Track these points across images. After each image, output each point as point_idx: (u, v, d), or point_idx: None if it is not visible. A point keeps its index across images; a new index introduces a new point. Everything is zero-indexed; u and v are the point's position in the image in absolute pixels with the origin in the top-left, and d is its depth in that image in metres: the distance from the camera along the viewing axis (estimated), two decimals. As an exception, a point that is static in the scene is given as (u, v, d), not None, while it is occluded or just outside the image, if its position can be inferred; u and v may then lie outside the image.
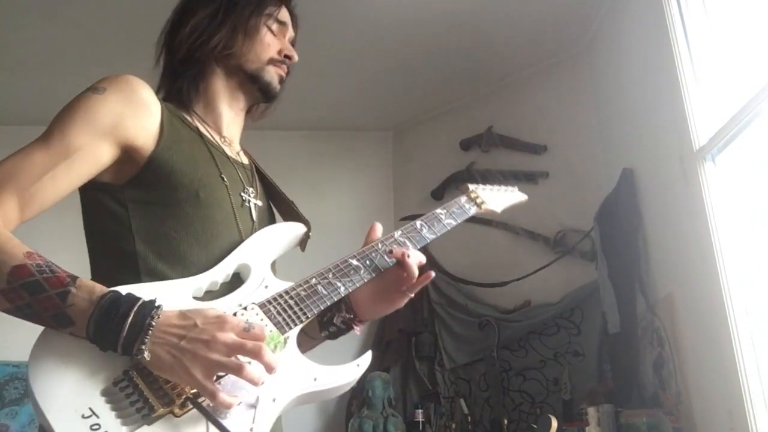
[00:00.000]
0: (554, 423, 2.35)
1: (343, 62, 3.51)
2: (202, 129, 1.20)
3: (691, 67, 2.33)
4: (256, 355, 0.88)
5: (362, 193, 4.11)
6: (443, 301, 3.49)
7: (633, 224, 2.67)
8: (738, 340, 1.95)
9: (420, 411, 3.18)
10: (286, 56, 1.27)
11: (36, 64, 3.40)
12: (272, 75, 1.25)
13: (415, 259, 1.15)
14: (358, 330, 1.21)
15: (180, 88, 1.23)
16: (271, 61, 1.24)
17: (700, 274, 2.15)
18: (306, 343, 1.21)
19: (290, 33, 1.31)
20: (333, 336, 1.22)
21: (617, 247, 2.71)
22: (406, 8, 3.07)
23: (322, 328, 1.21)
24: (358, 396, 3.32)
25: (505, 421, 2.96)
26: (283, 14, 1.29)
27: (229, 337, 0.88)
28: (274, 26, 1.26)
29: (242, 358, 0.88)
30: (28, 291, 0.88)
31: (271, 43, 1.25)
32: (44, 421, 0.82)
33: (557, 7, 3.08)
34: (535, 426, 2.60)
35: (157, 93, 1.18)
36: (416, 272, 1.14)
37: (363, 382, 3.23)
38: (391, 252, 1.15)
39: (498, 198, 1.42)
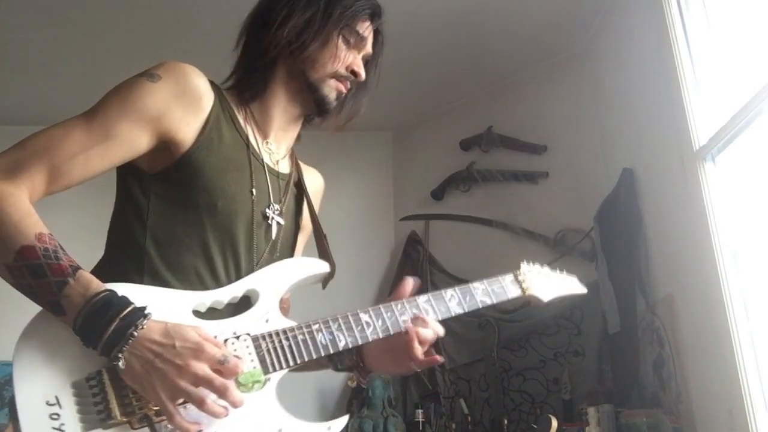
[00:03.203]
0: (554, 423, 2.35)
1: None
2: (249, 132, 1.16)
3: (691, 68, 2.32)
4: (221, 393, 0.90)
5: (362, 193, 4.10)
6: (443, 301, 3.49)
7: (633, 224, 2.67)
8: (738, 340, 1.95)
9: (420, 411, 3.17)
10: (353, 72, 1.21)
11: (36, 64, 3.40)
12: (331, 89, 1.19)
13: (427, 335, 1.10)
14: (362, 382, 1.19)
15: (254, 82, 1.19)
16: (335, 75, 1.19)
17: (700, 274, 2.14)
18: (314, 366, 1.18)
19: (367, 50, 1.24)
20: (338, 370, 1.21)
21: (617, 247, 2.71)
22: (405, 8, 3.07)
23: (329, 359, 1.18)
24: (358, 396, 3.32)
25: (505, 421, 2.96)
26: (366, 29, 1.22)
27: (201, 368, 0.89)
28: (352, 39, 1.20)
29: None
30: (31, 273, 0.90)
31: (342, 56, 1.19)
32: (13, 396, 0.86)
33: (557, 7, 3.08)
34: (535, 426, 2.60)
35: (228, 79, 1.18)
36: (420, 354, 1.09)
37: (363, 382, 3.23)
38: (405, 320, 1.09)
39: (549, 285, 1.33)
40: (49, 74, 3.44)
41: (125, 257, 1.05)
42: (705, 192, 2.15)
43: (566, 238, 3.20)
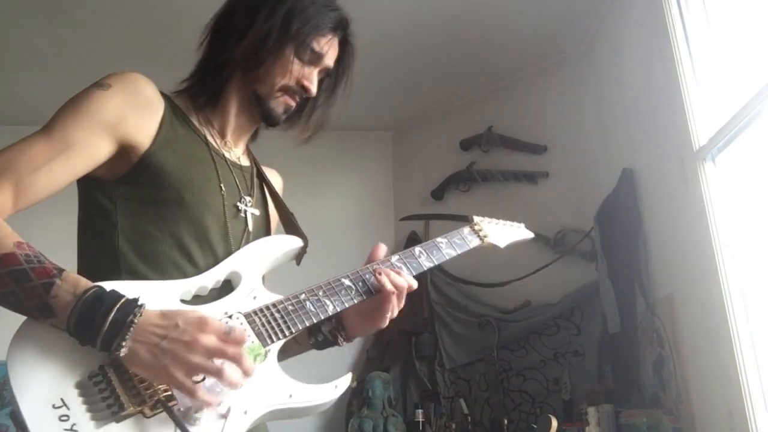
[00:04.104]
0: (554, 423, 2.35)
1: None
2: (206, 132, 1.19)
3: (691, 68, 2.33)
4: (236, 361, 0.90)
5: (362, 193, 4.10)
6: (443, 301, 3.49)
7: (633, 224, 2.67)
8: (738, 340, 1.95)
9: (420, 411, 3.17)
10: (303, 87, 1.20)
11: (36, 64, 3.40)
12: (279, 103, 1.21)
13: (401, 282, 1.12)
14: (342, 343, 1.20)
15: (208, 90, 1.21)
16: (284, 89, 1.19)
17: (700, 274, 2.14)
18: (293, 348, 1.21)
19: (324, 64, 1.23)
20: (320, 346, 1.22)
21: (617, 247, 2.71)
22: (405, 8, 3.07)
23: (310, 334, 1.20)
24: (358, 396, 3.32)
25: (505, 421, 2.96)
26: (322, 45, 1.21)
27: (210, 339, 0.89)
28: (306, 57, 1.20)
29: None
30: (14, 279, 0.89)
31: (293, 70, 1.18)
32: (16, 406, 0.84)
33: (557, 7, 3.08)
34: (535, 426, 2.60)
35: (186, 80, 1.20)
36: (393, 300, 1.12)
37: (363, 382, 3.23)
38: (379, 273, 1.12)
39: (502, 233, 1.42)
40: (49, 74, 3.44)
41: (100, 260, 1.06)
42: (705, 192, 2.15)
43: (566, 238, 3.20)
